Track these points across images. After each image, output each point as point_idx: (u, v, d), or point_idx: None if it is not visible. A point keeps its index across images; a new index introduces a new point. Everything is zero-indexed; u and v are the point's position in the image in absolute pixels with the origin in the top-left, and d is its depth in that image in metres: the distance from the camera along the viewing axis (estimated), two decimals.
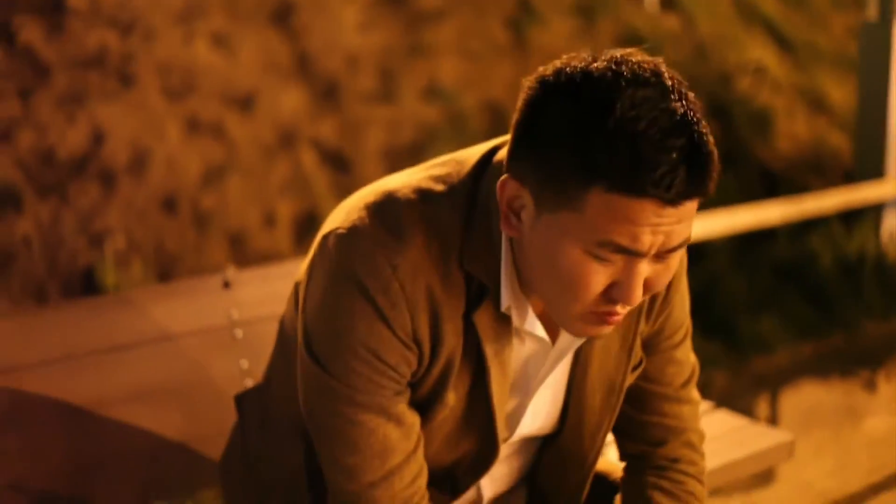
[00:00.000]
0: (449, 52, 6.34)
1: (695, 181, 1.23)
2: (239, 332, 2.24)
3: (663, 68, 1.27)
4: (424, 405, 1.47)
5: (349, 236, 1.39)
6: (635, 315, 1.54)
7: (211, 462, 2.10)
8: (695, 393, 1.69)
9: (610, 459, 1.79)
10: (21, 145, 4.69)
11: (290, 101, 5.57)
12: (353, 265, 1.37)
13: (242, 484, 1.70)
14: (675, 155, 1.21)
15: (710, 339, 4.49)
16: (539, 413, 1.58)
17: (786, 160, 6.19)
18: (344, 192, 5.31)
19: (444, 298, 1.39)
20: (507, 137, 1.46)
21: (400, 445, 1.43)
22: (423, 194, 1.41)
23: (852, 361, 4.75)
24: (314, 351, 1.43)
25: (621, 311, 1.35)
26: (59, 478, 2.03)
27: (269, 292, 2.29)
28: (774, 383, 4.37)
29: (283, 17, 6.06)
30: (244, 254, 4.65)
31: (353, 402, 1.41)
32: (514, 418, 1.56)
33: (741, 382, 4.49)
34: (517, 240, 1.37)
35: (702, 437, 1.72)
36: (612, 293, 1.31)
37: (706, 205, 1.48)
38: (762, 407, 4.31)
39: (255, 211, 4.86)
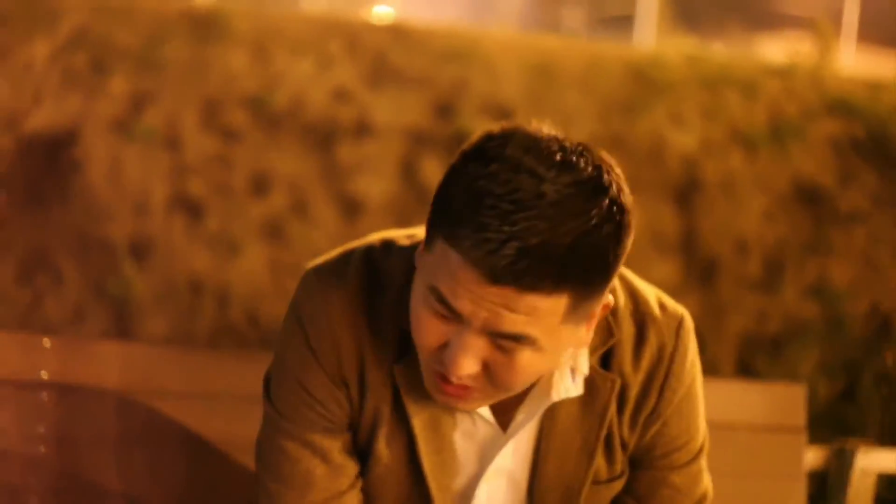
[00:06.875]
0: (850, 254, 6.08)
1: (517, 267, 1.19)
2: None
3: (561, 137, 1.27)
4: (361, 455, 1.49)
5: (312, 272, 1.49)
6: (598, 415, 1.47)
7: None
8: None
9: None
10: None
11: (662, 272, 5.59)
12: (299, 297, 1.47)
13: None
14: (502, 230, 1.19)
15: None
16: (495, 501, 1.53)
17: None
18: None
19: (372, 345, 1.43)
20: None
21: (323, 483, 1.46)
22: (387, 245, 1.48)
23: None
24: (267, 374, 1.52)
25: (454, 380, 1.31)
26: (172, 501, 2.20)
27: None
28: None
29: (684, 196, 6.13)
30: None
31: (281, 429, 1.47)
32: (465, 498, 1.53)
33: None
34: None
35: None
36: (443, 355, 1.31)
37: None
38: None
39: None
